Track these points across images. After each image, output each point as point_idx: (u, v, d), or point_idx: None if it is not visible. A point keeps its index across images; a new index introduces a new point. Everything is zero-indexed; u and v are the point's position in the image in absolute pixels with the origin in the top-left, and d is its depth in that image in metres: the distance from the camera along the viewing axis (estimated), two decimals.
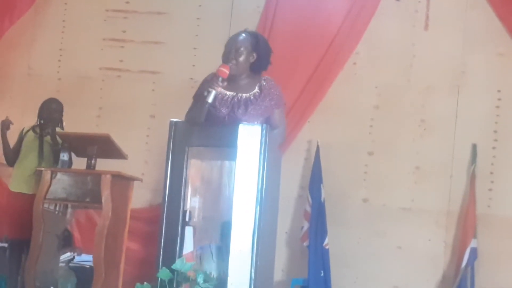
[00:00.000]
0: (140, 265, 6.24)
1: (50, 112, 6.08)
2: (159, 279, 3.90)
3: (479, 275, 6.04)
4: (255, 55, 4.55)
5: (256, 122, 4.38)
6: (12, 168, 6.21)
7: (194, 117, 4.46)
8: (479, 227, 6.09)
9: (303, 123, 6.50)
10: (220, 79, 4.38)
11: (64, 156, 5.82)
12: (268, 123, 4.41)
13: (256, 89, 4.53)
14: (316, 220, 6.23)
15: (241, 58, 4.50)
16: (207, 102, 4.36)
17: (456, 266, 6.07)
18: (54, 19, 7.26)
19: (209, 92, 4.35)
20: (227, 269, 4.09)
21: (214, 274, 4.21)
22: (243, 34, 4.60)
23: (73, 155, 5.89)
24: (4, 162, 6.53)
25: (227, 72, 4.41)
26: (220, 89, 4.39)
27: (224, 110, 4.47)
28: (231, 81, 4.53)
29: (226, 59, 4.51)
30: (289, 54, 6.51)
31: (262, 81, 4.56)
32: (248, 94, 4.51)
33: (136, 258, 6.30)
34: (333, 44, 6.51)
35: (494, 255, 6.08)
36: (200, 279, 3.82)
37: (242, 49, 4.51)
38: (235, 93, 4.50)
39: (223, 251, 4.33)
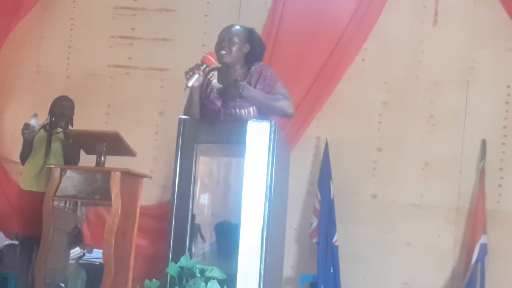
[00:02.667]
0: (149, 262, 6.26)
1: (62, 109, 6.08)
2: (168, 275, 3.91)
3: (489, 271, 6.03)
4: (248, 46, 4.54)
5: (251, 108, 4.38)
6: (22, 165, 6.21)
7: (187, 108, 4.48)
8: (488, 223, 6.08)
9: (312, 119, 6.50)
10: (204, 65, 4.35)
11: (31, 121, 5.82)
12: None
13: (248, 78, 4.50)
14: (325, 216, 6.23)
15: (234, 48, 4.49)
16: (187, 86, 4.33)
17: (466, 262, 6.06)
18: (63, 17, 7.28)
19: (190, 76, 4.32)
20: (231, 267, 4.09)
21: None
22: (237, 26, 4.60)
23: (82, 152, 5.91)
24: (14, 159, 6.56)
25: (213, 61, 4.40)
26: (201, 73, 4.34)
27: (218, 103, 4.47)
28: (225, 74, 4.53)
29: (219, 47, 4.49)
30: (297, 51, 6.51)
31: (254, 67, 4.53)
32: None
33: (145, 255, 6.31)
34: (341, 41, 6.51)
35: (504, 251, 6.07)
36: (200, 273, 3.82)
37: (235, 39, 4.49)
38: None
39: (226, 248, 4.35)
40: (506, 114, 6.26)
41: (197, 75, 4.32)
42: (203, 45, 6.83)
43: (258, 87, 4.46)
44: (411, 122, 6.43)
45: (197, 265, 3.80)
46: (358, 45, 6.53)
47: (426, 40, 6.48)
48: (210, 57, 4.40)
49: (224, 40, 4.50)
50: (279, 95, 4.47)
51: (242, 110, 4.41)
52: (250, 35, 4.57)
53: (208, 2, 6.97)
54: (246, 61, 4.57)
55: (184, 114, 4.51)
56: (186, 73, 4.34)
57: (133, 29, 7.10)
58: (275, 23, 6.60)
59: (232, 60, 4.51)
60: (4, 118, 7.29)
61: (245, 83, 4.42)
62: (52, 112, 6.12)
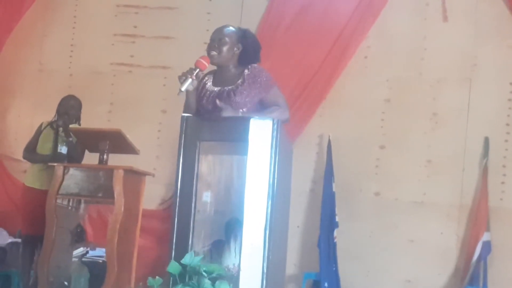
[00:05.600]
0: (152, 262, 6.25)
1: (67, 108, 6.10)
2: (171, 273, 3.91)
3: (492, 268, 6.02)
4: (240, 46, 4.51)
5: (244, 109, 4.37)
6: (28, 163, 6.22)
7: (184, 111, 4.48)
8: (491, 220, 6.07)
9: (311, 114, 6.49)
10: (197, 70, 4.33)
11: (61, 149, 5.84)
12: (264, 106, 4.41)
13: (240, 80, 4.48)
14: (327, 214, 6.23)
15: (224, 48, 4.47)
16: (180, 90, 4.31)
17: (467, 260, 6.05)
18: (65, 15, 7.29)
19: (184, 80, 4.30)
20: (237, 264, 4.10)
21: (228, 268, 4.23)
22: (230, 27, 4.56)
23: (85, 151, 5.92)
24: (16, 157, 6.57)
25: (207, 65, 4.38)
26: (194, 78, 4.31)
27: (210, 107, 4.46)
28: (220, 76, 4.52)
29: (209, 48, 4.48)
30: (296, 46, 6.50)
31: (246, 70, 4.49)
32: (232, 86, 4.48)
33: (148, 256, 6.29)
34: (342, 36, 6.49)
35: (506, 248, 6.06)
36: (204, 272, 3.82)
37: (226, 39, 4.47)
38: (220, 88, 4.49)
39: (229, 247, 4.36)
40: (509, 112, 6.25)
41: (190, 80, 4.29)
42: (205, 43, 6.75)
43: (252, 92, 4.43)
44: (414, 119, 6.43)
45: (202, 264, 3.81)
46: (358, 41, 6.51)
47: (428, 38, 6.47)
48: (203, 61, 4.36)
49: (214, 40, 4.49)
50: (272, 105, 4.43)
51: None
52: (243, 35, 4.55)
53: (210, 0, 6.97)
54: (240, 61, 4.53)
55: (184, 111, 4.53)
56: (180, 78, 4.32)
57: (135, 27, 7.11)
58: (274, 17, 6.58)
59: (222, 60, 4.49)
60: (7, 116, 7.30)
61: (225, 106, 4.35)
62: (58, 110, 6.13)
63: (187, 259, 3.86)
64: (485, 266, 5.97)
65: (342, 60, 6.51)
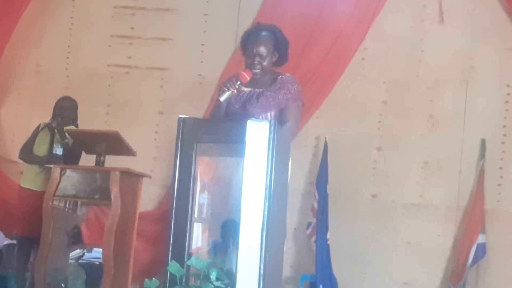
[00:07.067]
0: (147, 264, 6.25)
1: (61, 109, 6.09)
2: (168, 273, 3.90)
3: (489, 270, 6.03)
4: (276, 54, 4.57)
5: (269, 114, 4.41)
6: (23, 164, 6.21)
7: (214, 116, 4.56)
8: (488, 222, 6.08)
9: (309, 117, 6.48)
10: (238, 82, 4.41)
11: (57, 151, 5.84)
12: (281, 115, 4.44)
13: (273, 85, 4.53)
14: (322, 215, 6.23)
15: (265, 62, 4.52)
16: (218, 100, 4.41)
17: (462, 263, 6.04)
18: (62, 16, 7.27)
19: (223, 92, 4.39)
20: (234, 265, 4.10)
21: (224, 269, 4.23)
22: (263, 35, 4.55)
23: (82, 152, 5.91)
24: (13, 159, 6.56)
25: (248, 78, 4.45)
26: (235, 91, 4.41)
27: (237, 105, 4.49)
28: (251, 79, 4.54)
29: (251, 65, 4.50)
30: (294, 48, 6.49)
31: (282, 76, 4.57)
32: (263, 89, 4.51)
33: (144, 258, 6.28)
34: (340, 39, 6.49)
35: (503, 250, 6.07)
36: (213, 276, 3.82)
37: (265, 54, 4.51)
38: (251, 89, 4.51)
39: (226, 248, 4.36)
40: (505, 114, 6.26)
41: (230, 92, 4.39)
42: (203, 44, 6.85)
43: (279, 97, 4.49)
44: (411, 121, 6.43)
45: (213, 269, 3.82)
46: (357, 43, 6.51)
47: (426, 39, 6.48)
48: (245, 74, 4.44)
49: (254, 55, 4.50)
50: (290, 117, 4.50)
51: (261, 117, 4.43)
52: (276, 41, 4.57)
53: (207, 1, 6.97)
54: (274, 65, 4.62)
55: (210, 118, 4.63)
56: (220, 88, 4.41)
57: (132, 28, 7.10)
58: (268, 19, 6.58)
59: (264, 72, 4.55)
60: (4, 118, 7.29)
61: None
62: (53, 111, 6.13)
63: (193, 261, 3.86)
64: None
65: (340, 64, 6.50)
